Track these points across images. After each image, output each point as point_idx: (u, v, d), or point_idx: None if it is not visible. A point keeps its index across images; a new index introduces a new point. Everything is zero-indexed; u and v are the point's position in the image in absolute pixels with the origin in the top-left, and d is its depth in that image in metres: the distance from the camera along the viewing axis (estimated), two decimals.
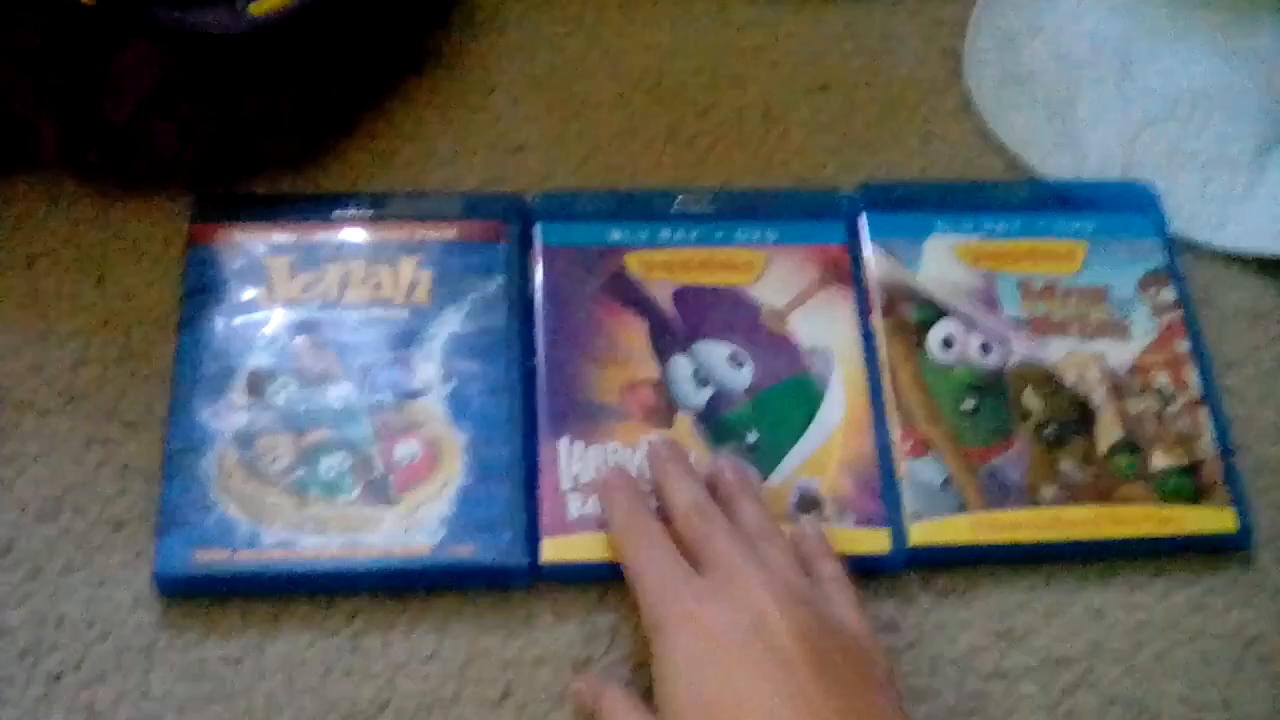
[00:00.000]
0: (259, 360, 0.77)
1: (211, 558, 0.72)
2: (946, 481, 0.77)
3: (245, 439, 0.75)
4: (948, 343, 0.81)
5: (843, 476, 0.77)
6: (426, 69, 0.89)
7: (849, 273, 0.83)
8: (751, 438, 0.77)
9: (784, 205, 0.85)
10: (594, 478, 0.75)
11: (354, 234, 0.81)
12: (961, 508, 0.77)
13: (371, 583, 0.73)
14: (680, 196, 0.84)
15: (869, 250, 0.83)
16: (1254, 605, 0.77)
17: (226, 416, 0.75)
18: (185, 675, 0.71)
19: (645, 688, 0.72)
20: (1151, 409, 0.80)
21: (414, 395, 0.77)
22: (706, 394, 0.78)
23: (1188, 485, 0.79)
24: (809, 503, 0.76)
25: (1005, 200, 0.86)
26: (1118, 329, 0.82)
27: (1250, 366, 0.84)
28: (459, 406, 0.76)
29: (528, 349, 0.79)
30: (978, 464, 0.78)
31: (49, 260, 0.81)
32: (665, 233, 0.83)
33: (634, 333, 0.79)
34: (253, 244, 0.80)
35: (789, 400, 0.79)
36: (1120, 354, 0.82)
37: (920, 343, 0.81)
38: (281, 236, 0.81)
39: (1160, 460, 0.79)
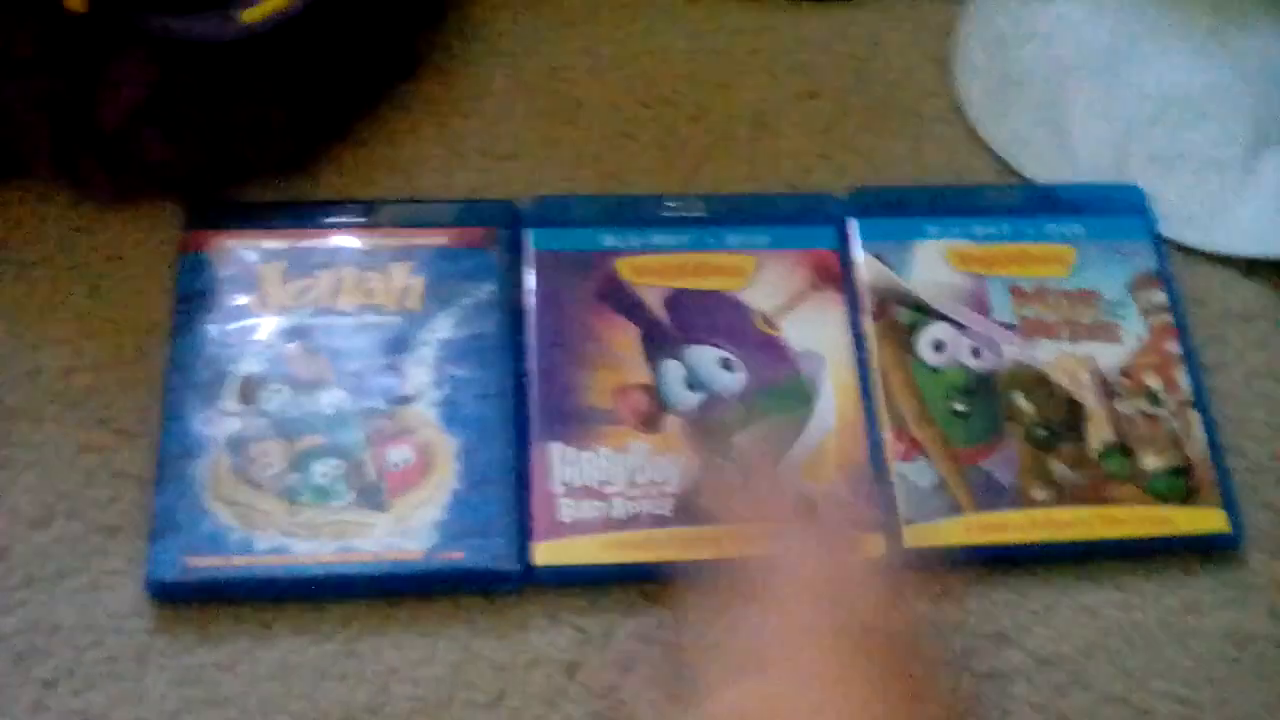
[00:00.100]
0: (251, 367, 0.77)
1: (204, 564, 0.72)
2: (938, 484, 0.77)
3: (238, 445, 0.75)
4: (938, 346, 0.81)
5: (838, 481, 0.77)
6: (418, 75, 0.89)
7: (840, 277, 0.83)
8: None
9: (775, 210, 0.85)
10: (587, 482, 0.75)
11: (346, 240, 0.81)
12: (953, 510, 0.77)
13: (364, 588, 0.73)
14: (671, 201, 0.85)
15: (859, 254, 0.84)
16: (1245, 605, 0.77)
17: (219, 423, 0.75)
18: (178, 681, 0.71)
19: (633, 691, 0.72)
20: (1142, 410, 0.81)
21: (406, 401, 0.77)
22: (698, 398, 0.79)
23: (1178, 486, 0.79)
24: (802, 507, 0.76)
25: (995, 204, 0.86)
26: (1108, 331, 0.83)
27: (1240, 368, 0.84)
28: (451, 412, 0.77)
29: (519, 354, 0.79)
30: (969, 466, 0.78)
31: (41, 267, 0.81)
32: (656, 237, 0.83)
33: (625, 337, 0.80)
34: (245, 251, 0.80)
35: (780, 404, 0.79)
36: (1111, 356, 0.82)
37: (911, 346, 0.81)
38: (273, 243, 0.81)
39: (1151, 461, 0.79)
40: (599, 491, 0.76)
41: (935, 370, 0.81)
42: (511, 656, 0.73)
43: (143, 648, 0.72)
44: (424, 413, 0.76)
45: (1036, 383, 0.81)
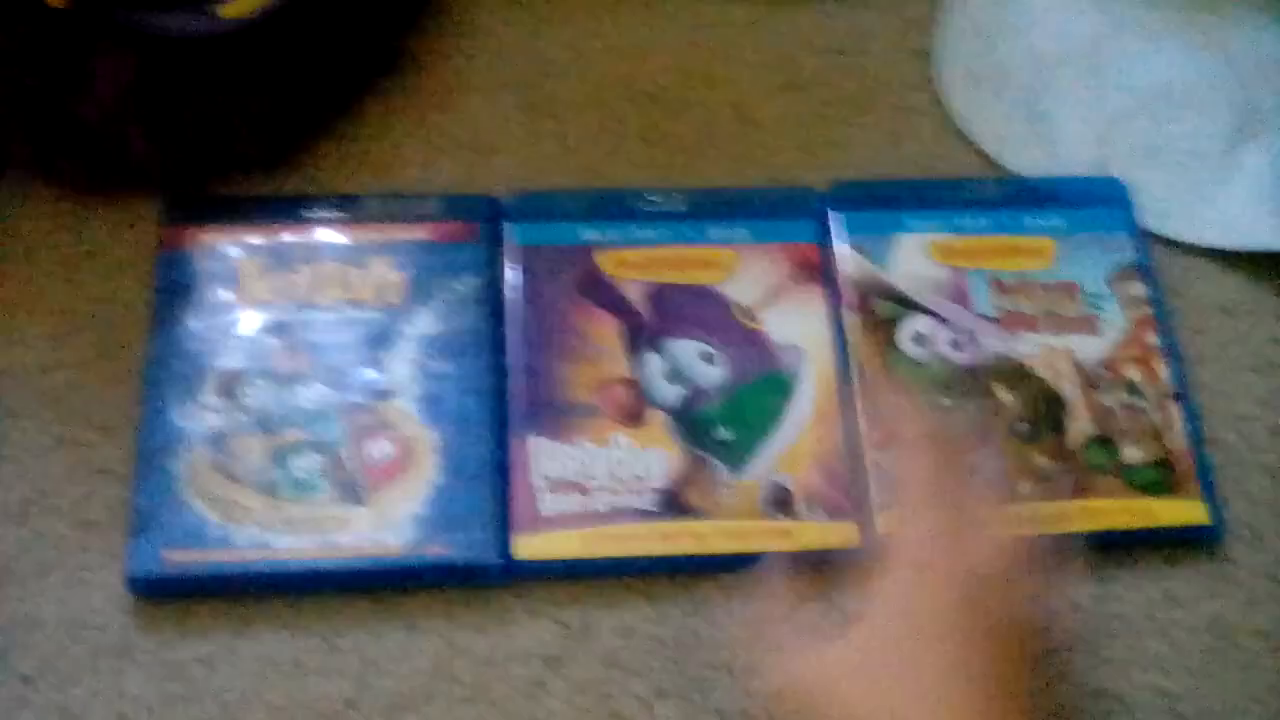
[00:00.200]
0: (231, 361, 0.77)
1: (184, 558, 0.72)
2: None
3: (217, 440, 0.75)
4: (919, 339, 0.81)
5: (814, 472, 0.77)
6: (400, 70, 0.89)
7: (820, 270, 0.83)
8: (723, 434, 0.78)
9: (756, 203, 0.85)
10: (568, 476, 0.76)
11: (326, 235, 0.81)
12: None
13: (344, 582, 0.73)
14: (652, 195, 0.85)
15: (840, 248, 0.84)
16: (1225, 596, 0.78)
17: (198, 417, 0.75)
18: (158, 675, 0.71)
19: (619, 684, 0.72)
20: (1123, 403, 0.81)
21: (386, 395, 0.77)
22: (679, 392, 0.79)
23: (1159, 478, 0.79)
24: (781, 498, 0.76)
25: (976, 197, 0.86)
26: (1089, 324, 0.83)
27: (1221, 360, 0.84)
28: (431, 406, 0.77)
29: (500, 348, 0.79)
30: None
31: (20, 262, 0.81)
32: (638, 231, 0.83)
33: (606, 331, 0.80)
34: (224, 245, 0.80)
35: (761, 397, 0.79)
36: (1091, 349, 0.82)
37: (892, 339, 0.81)
38: (253, 238, 0.81)
39: (1132, 454, 0.79)
40: (580, 485, 0.76)
41: (916, 363, 0.81)
42: (492, 650, 0.73)
43: (123, 643, 0.72)
44: (404, 407, 0.76)
45: (1017, 375, 0.81)
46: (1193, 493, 0.79)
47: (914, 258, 0.84)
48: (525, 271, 0.81)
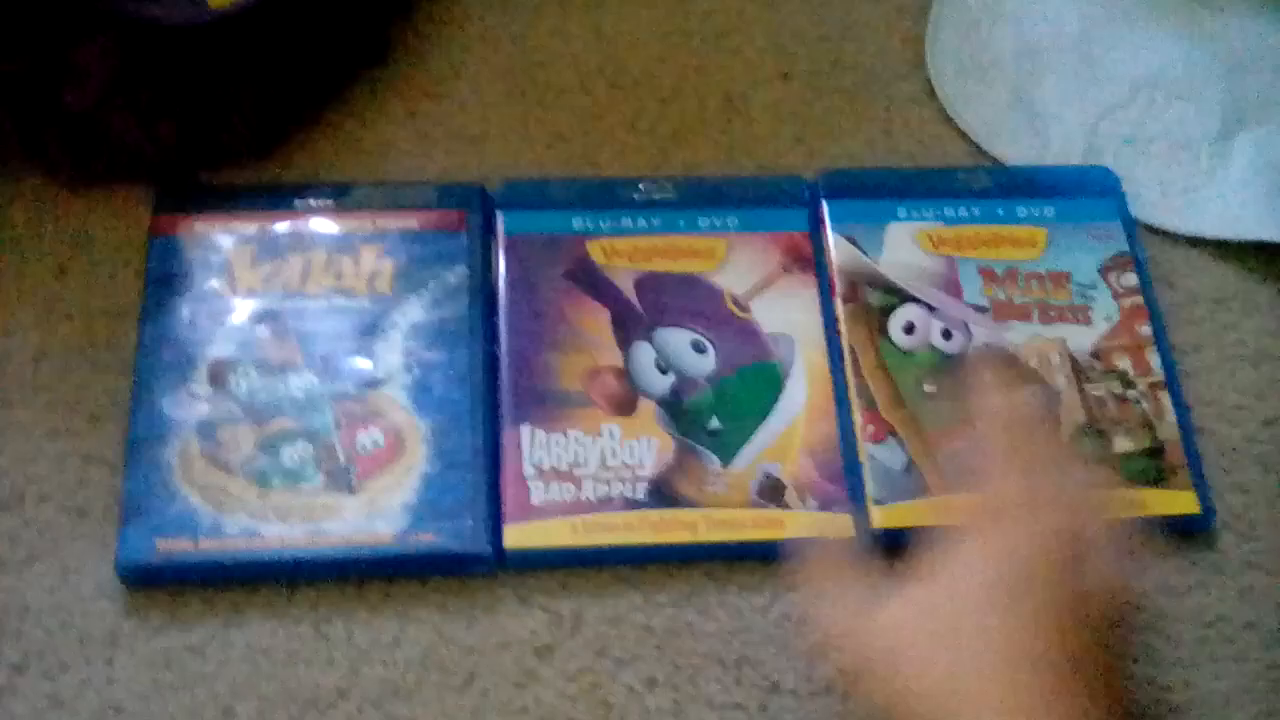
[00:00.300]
0: (221, 350, 0.77)
1: (174, 547, 0.72)
2: (908, 465, 0.77)
3: (207, 428, 0.75)
4: (909, 328, 0.81)
5: (805, 462, 0.77)
6: (389, 59, 0.89)
7: (811, 259, 0.83)
8: (714, 424, 0.78)
9: (746, 192, 0.85)
10: (558, 465, 0.76)
11: (316, 224, 0.81)
12: (923, 491, 0.77)
13: (334, 571, 0.73)
14: (643, 184, 0.84)
15: (831, 237, 0.84)
16: (1216, 586, 0.78)
17: (188, 406, 0.75)
18: (148, 664, 0.71)
19: (608, 673, 0.72)
20: (1113, 393, 0.81)
21: (376, 384, 0.77)
22: (669, 381, 0.79)
23: (1150, 468, 0.79)
24: (772, 488, 0.76)
25: (967, 186, 0.86)
26: (1079, 314, 0.83)
27: (1212, 350, 0.84)
28: (421, 395, 0.77)
29: (490, 337, 0.79)
30: (939, 448, 0.78)
31: (10, 252, 0.81)
32: (628, 220, 0.83)
33: (596, 320, 0.80)
34: (214, 234, 0.80)
35: (751, 386, 0.79)
36: (1082, 338, 0.82)
37: (882, 328, 0.81)
38: (243, 226, 0.81)
39: (1122, 444, 0.79)
40: (570, 474, 0.76)
41: (906, 352, 0.81)
42: (482, 639, 0.73)
43: (113, 631, 0.72)
44: (394, 396, 0.76)
45: (1007, 365, 0.81)
46: (1183, 483, 0.79)
47: (905, 247, 0.84)
48: (515, 260, 0.81)
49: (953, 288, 0.83)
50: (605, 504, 0.75)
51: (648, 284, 0.81)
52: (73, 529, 0.74)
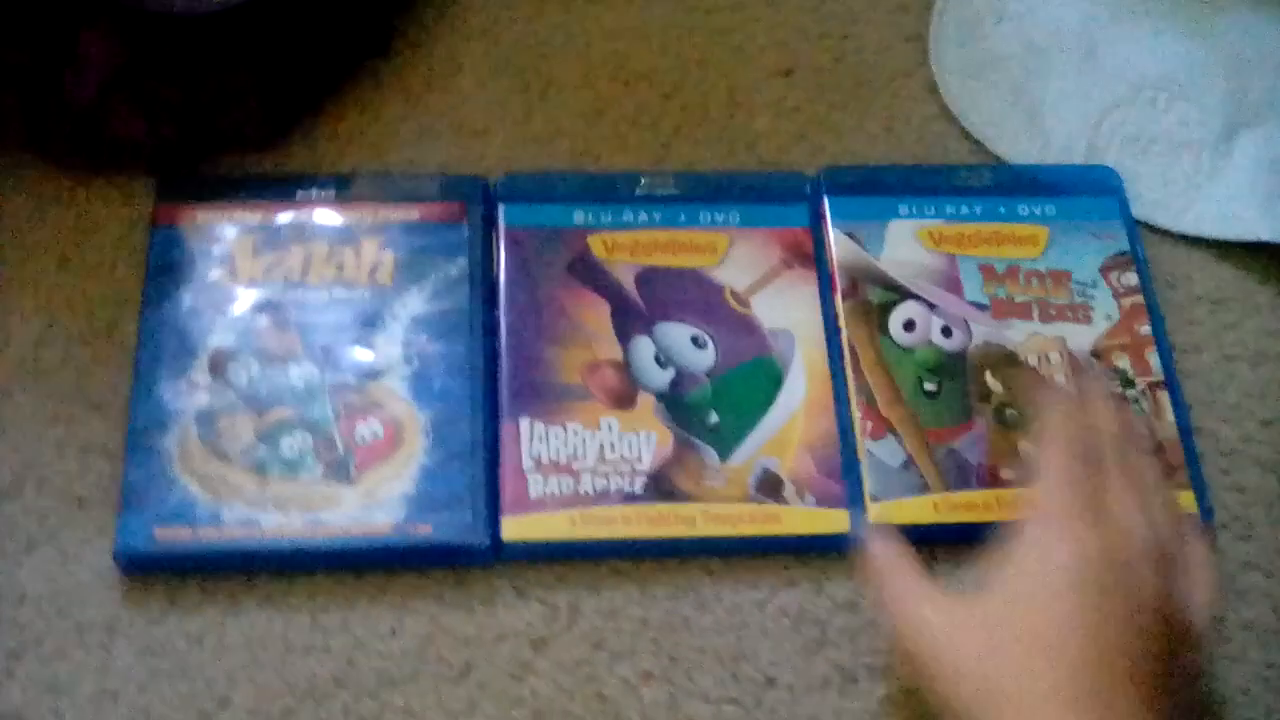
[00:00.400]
0: (221, 340, 0.77)
1: (173, 535, 0.72)
2: (907, 462, 0.78)
3: (207, 418, 0.75)
4: (909, 325, 0.81)
5: (803, 457, 0.77)
6: (392, 51, 0.89)
7: (812, 255, 0.83)
8: (713, 418, 0.78)
9: (747, 188, 0.85)
10: (557, 458, 0.76)
11: (317, 215, 0.81)
12: (922, 488, 0.77)
13: (332, 561, 0.73)
14: (644, 179, 0.85)
15: (832, 233, 0.84)
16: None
17: (188, 395, 0.75)
18: (146, 652, 0.71)
19: (604, 666, 0.72)
20: (1112, 392, 0.81)
21: (375, 375, 0.77)
22: (668, 375, 0.79)
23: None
24: (770, 483, 0.76)
25: (968, 184, 0.86)
26: (1080, 312, 0.83)
27: (1212, 350, 0.84)
28: (420, 387, 0.77)
29: (490, 330, 0.79)
30: (938, 445, 0.78)
31: (12, 240, 0.81)
32: (629, 215, 0.83)
33: (596, 314, 0.80)
34: (216, 224, 0.80)
35: (751, 381, 0.79)
36: (1082, 337, 0.82)
37: (882, 325, 0.81)
38: (245, 217, 0.81)
39: None
40: (568, 467, 0.76)
41: (906, 349, 0.81)
42: (479, 631, 0.73)
43: (111, 619, 0.72)
44: (393, 387, 0.77)
45: (1007, 362, 0.81)
46: (1182, 483, 0.79)
47: (906, 244, 0.84)
48: (516, 253, 0.81)
49: (953, 285, 0.83)
50: (603, 497, 0.75)
51: (648, 278, 0.81)
52: (72, 517, 0.74)
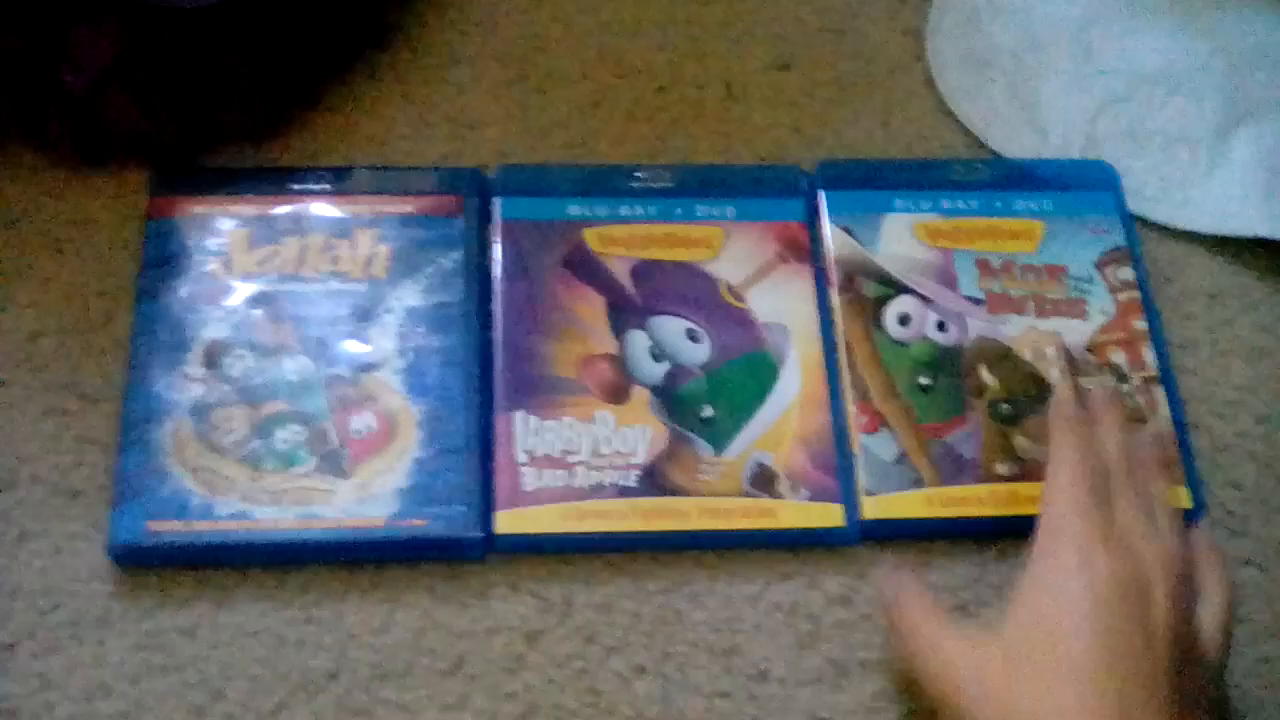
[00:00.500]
0: (216, 332, 0.77)
1: (166, 528, 0.72)
2: (901, 457, 0.78)
3: (201, 410, 0.75)
4: (904, 320, 0.81)
5: (797, 451, 0.77)
6: (388, 43, 0.89)
7: (807, 249, 0.83)
8: (707, 412, 0.78)
9: (743, 182, 0.85)
10: (551, 452, 0.76)
11: (313, 207, 0.81)
12: (916, 483, 0.77)
13: (326, 554, 0.73)
14: (640, 172, 0.85)
15: (827, 227, 0.84)
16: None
17: (183, 388, 0.75)
18: (139, 645, 0.71)
19: (597, 660, 0.72)
20: (1107, 387, 0.81)
21: (370, 368, 0.77)
22: (663, 369, 0.79)
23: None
24: (764, 477, 0.76)
25: (964, 179, 0.86)
26: (1075, 307, 0.83)
27: (1207, 345, 0.84)
28: (415, 380, 0.77)
29: (485, 323, 0.79)
30: (932, 439, 0.78)
31: (7, 232, 0.81)
32: (624, 208, 0.83)
33: (591, 307, 0.80)
34: (211, 217, 0.80)
35: (745, 375, 0.79)
36: (1077, 332, 0.82)
37: (877, 319, 0.81)
38: (240, 209, 0.81)
39: None
40: (562, 461, 0.76)
41: (901, 344, 0.81)
42: (472, 624, 0.73)
43: (104, 612, 0.72)
44: (388, 380, 0.76)
45: (1002, 357, 0.81)
46: (1176, 478, 0.79)
47: (901, 238, 0.84)
48: (511, 246, 0.81)
49: (948, 280, 0.83)
50: (597, 491, 0.75)
51: (644, 272, 0.81)
52: (65, 509, 0.74)
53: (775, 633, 0.74)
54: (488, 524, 0.74)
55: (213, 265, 0.79)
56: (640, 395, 0.78)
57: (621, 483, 0.75)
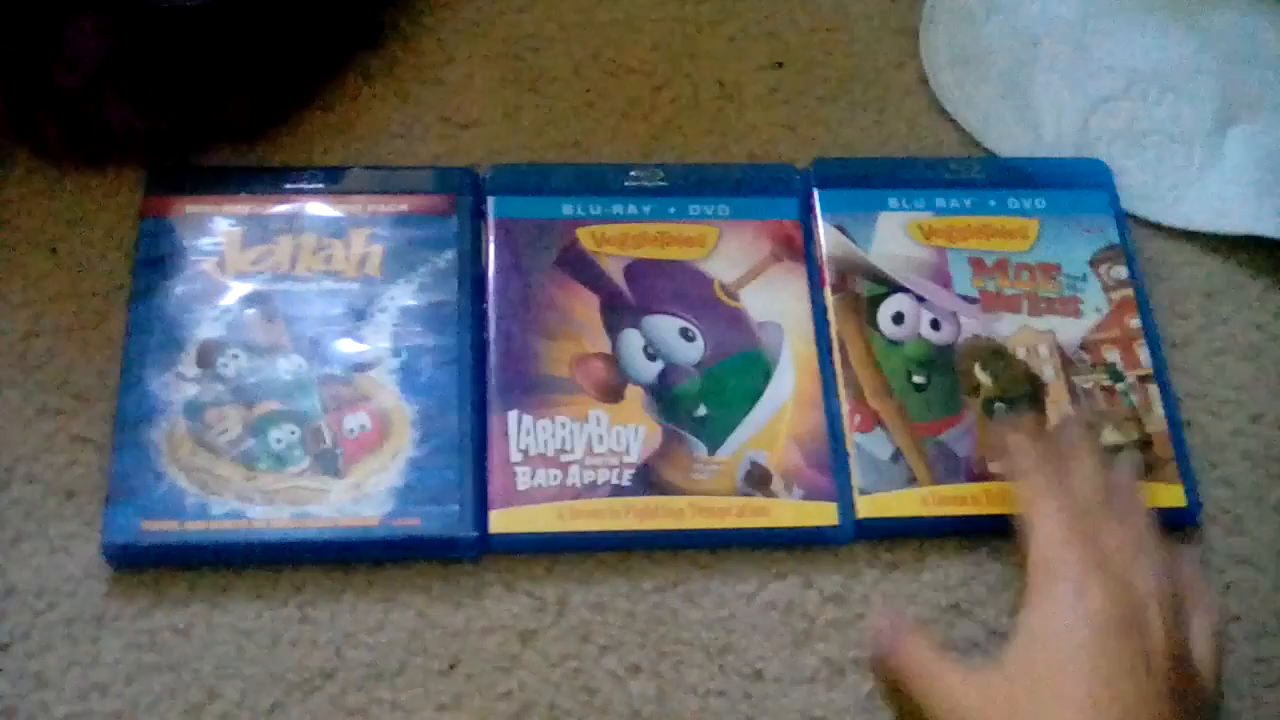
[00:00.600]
0: (210, 332, 0.77)
1: (160, 528, 0.72)
2: (895, 455, 0.78)
3: (195, 410, 0.75)
4: (898, 318, 0.81)
5: (791, 450, 0.77)
6: (382, 42, 0.89)
7: (801, 248, 0.83)
8: (701, 411, 0.78)
9: (737, 180, 0.85)
10: (545, 451, 0.76)
11: (306, 206, 0.81)
12: (910, 481, 0.77)
13: (320, 554, 0.73)
14: (634, 171, 0.84)
15: (821, 226, 0.84)
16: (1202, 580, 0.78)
17: (176, 387, 0.75)
18: (134, 645, 0.71)
19: (592, 659, 0.72)
20: (1101, 385, 0.81)
21: (364, 368, 0.77)
22: (657, 368, 0.79)
23: (1137, 461, 0.79)
24: (758, 476, 0.76)
25: (958, 177, 0.86)
26: (1069, 305, 0.83)
27: (1201, 344, 0.84)
28: (409, 379, 0.77)
29: (479, 322, 0.79)
30: (926, 438, 0.78)
31: (1, 231, 0.81)
32: (618, 207, 0.83)
33: (585, 306, 0.80)
34: (205, 216, 0.80)
35: (739, 374, 0.79)
36: (1071, 330, 0.82)
37: (871, 318, 0.81)
38: (234, 209, 0.81)
39: (1110, 436, 0.79)
40: (556, 460, 0.76)
41: (895, 342, 0.81)
42: (466, 623, 0.73)
43: (98, 611, 0.72)
44: (382, 380, 0.76)
45: (996, 356, 0.81)
46: (1170, 476, 0.79)
47: (895, 237, 0.84)
48: (505, 245, 0.81)
49: (942, 278, 0.83)
50: (591, 490, 0.75)
51: (637, 271, 0.81)
52: (60, 509, 0.74)
53: (770, 631, 0.74)
54: (482, 523, 0.74)
55: (206, 265, 0.79)
56: (634, 394, 0.78)
57: (615, 482, 0.75)
